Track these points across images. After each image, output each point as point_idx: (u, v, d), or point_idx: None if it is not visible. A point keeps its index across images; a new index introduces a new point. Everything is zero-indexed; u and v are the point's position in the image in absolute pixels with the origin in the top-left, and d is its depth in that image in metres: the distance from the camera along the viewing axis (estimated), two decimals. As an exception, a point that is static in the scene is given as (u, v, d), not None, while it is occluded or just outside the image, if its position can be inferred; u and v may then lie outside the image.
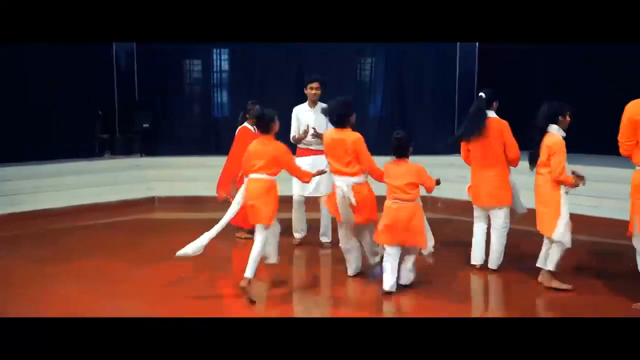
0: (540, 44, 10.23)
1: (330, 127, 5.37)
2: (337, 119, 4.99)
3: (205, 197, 8.72)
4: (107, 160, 9.78)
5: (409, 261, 4.91)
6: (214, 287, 5.13)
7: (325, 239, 6.28)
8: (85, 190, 8.52)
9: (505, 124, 5.26)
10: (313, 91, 6.13)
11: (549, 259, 4.81)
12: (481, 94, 5.31)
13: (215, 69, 10.86)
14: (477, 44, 10.16)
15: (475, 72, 10.22)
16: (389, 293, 4.73)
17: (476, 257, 5.42)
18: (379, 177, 4.94)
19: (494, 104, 5.33)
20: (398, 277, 4.83)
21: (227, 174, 6.57)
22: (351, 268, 5.27)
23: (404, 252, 4.87)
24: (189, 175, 9.40)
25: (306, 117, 6.17)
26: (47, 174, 8.56)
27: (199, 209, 8.36)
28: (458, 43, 10.25)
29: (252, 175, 4.76)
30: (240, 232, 6.53)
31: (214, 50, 10.83)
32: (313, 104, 6.21)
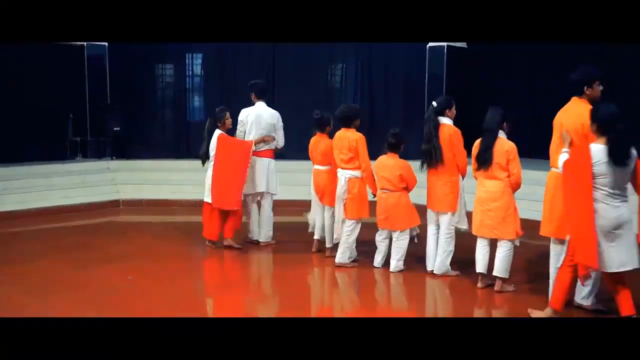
0: (509, 45, 10.36)
1: (262, 131, 6.31)
2: (343, 119, 5.71)
3: (171, 201, 8.85)
4: (78, 163, 9.85)
5: (396, 251, 5.45)
6: (153, 289, 5.13)
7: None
8: (53, 192, 8.62)
9: (455, 132, 5.28)
10: (252, 96, 6.44)
11: (502, 264, 4.86)
12: (433, 102, 5.40)
13: (187, 73, 10.96)
14: (445, 47, 10.23)
15: (444, 75, 10.28)
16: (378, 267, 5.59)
17: (429, 262, 5.49)
18: (370, 175, 5.59)
19: (447, 111, 5.36)
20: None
21: (227, 184, 6.10)
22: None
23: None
24: (157, 178, 9.50)
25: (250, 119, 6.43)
26: (17, 176, 8.64)
27: (163, 212, 8.47)
28: (427, 46, 10.36)
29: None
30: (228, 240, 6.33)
31: (187, 54, 10.94)
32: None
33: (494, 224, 4.84)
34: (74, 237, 6.99)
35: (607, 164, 3.82)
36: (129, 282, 5.20)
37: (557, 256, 4.42)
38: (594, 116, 3.96)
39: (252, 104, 6.47)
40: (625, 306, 3.98)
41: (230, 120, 6.32)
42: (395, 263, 5.47)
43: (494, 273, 4.88)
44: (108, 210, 8.54)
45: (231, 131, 6.40)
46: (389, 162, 5.45)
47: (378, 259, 5.63)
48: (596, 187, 3.87)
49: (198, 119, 11.00)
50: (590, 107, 4.13)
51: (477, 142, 4.94)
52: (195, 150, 10.36)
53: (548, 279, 4.57)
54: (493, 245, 4.96)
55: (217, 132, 6.19)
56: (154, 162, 9.96)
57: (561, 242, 4.34)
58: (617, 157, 3.81)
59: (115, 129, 10.19)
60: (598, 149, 3.85)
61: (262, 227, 6.41)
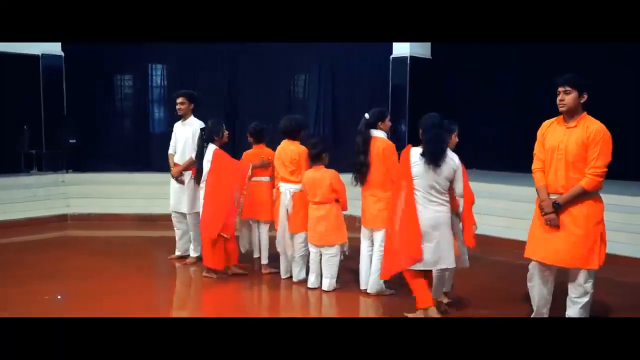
0: (474, 54, 10.23)
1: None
2: (287, 132, 5.50)
3: (121, 215, 8.61)
4: (31, 176, 9.58)
5: (327, 268, 5.19)
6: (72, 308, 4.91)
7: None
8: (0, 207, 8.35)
9: (389, 146, 5.04)
10: (177, 106, 6.10)
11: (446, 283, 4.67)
12: (365, 114, 5.19)
13: (147, 84, 10.77)
14: (408, 57, 10.08)
15: (407, 86, 10.11)
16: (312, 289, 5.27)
17: (362, 281, 5.25)
18: None
19: (380, 123, 5.14)
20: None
21: (219, 207, 5.49)
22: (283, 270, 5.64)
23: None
24: (111, 192, 9.26)
25: (177, 131, 6.24)
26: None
27: (110, 227, 8.22)
28: (391, 57, 10.20)
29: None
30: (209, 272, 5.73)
31: (147, 65, 10.76)
32: (183, 118, 6.21)
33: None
34: (10, 254, 6.72)
35: (422, 166, 4.08)
36: (47, 302, 4.95)
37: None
38: (419, 123, 4.26)
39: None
40: (421, 299, 4.24)
41: (227, 133, 5.77)
42: (329, 281, 5.22)
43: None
44: (54, 225, 8.29)
45: (226, 146, 5.89)
46: (316, 175, 5.23)
47: (312, 279, 5.35)
48: (415, 188, 4.12)
49: (158, 131, 10.82)
50: None
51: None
52: (156, 162, 10.35)
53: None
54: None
55: (212, 146, 5.56)
56: (110, 175, 9.70)
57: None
58: (428, 158, 4.05)
59: (71, 141, 9.93)
60: (416, 151, 4.15)
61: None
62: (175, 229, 6.30)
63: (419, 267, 4.17)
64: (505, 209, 7.64)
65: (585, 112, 3.94)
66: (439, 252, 4.16)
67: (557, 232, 3.91)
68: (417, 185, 4.13)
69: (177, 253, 6.32)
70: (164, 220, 7.37)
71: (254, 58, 10.57)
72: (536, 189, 4.07)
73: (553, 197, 3.95)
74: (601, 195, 3.97)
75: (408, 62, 10.14)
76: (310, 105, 10.72)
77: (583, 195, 3.85)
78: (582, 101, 3.90)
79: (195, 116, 6.23)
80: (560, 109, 3.93)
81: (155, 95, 10.89)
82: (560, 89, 3.90)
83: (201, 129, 5.75)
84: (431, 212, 4.13)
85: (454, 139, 4.78)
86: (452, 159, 4.17)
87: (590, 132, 3.83)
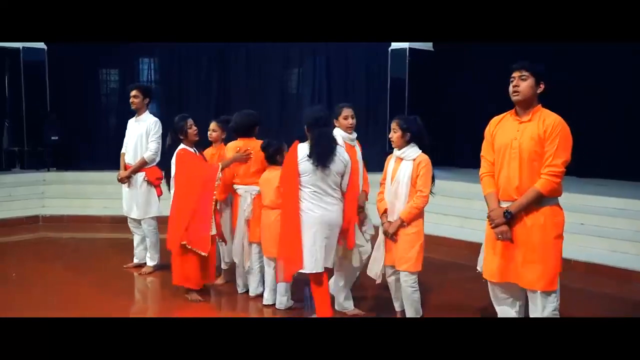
0: (477, 46, 9.61)
1: (153, 142, 5.57)
2: (238, 129, 4.89)
3: (96, 217, 8.16)
4: (11, 174, 9.20)
5: (281, 285, 4.60)
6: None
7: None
8: (-27, 207, 7.98)
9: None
10: (130, 99, 5.61)
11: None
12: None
13: (135, 78, 10.30)
14: (407, 49, 9.44)
15: (406, 79, 9.49)
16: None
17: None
18: None
19: (335, 121, 4.60)
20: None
21: (184, 218, 4.69)
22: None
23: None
24: (92, 192, 8.82)
25: (130, 128, 5.73)
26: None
27: (83, 229, 7.78)
28: (389, 49, 9.58)
29: None
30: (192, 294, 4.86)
31: (134, 59, 10.31)
32: (137, 114, 5.69)
33: None
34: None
35: (309, 163, 3.87)
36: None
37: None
38: (303, 117, 3.99)
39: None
40: (320, 308, 4.01)
41: (195, 129, 4.93)
42: (280, 298, 4.62)
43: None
44: (23, 227, 7.83)
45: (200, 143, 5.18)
46: (269, 176, 4.63)
47: (265, 295, 4.74)
48: (303, 185, 3.91)
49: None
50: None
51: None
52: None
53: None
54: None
55: (181, 147, 4.86)
56: (92, 174, 9.24)
57: None
58: (315, 157, 3.84)
59: (53, 138, 9.52)
60: (303, 147, 3.93)
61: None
62: (133, 234, 5.80)
63: (311, 269, 3.94)
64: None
65: (540, 105, 3.30)
66: (330, 251, 4.02)
67: (511, 248, 3.27)
68: (306, 183, 3.93)
69: (135, 261, 5.81)
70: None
71: (245, 50, 10.05)
72: (484, 197, 3.43)
73: (504, 205, 3.30)
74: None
75: (407, 54, 9.55)
76: (304, 100, 10.15)
77: (540, 202, 3.19)
78: (538, 91, 3.25)
79: (192, 112, 5.46)
80: (514, 98, 3.27)
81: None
82: (515, 73, 3.26)
83: (169, 130, 5.09)
84: (322, 210, 3.93)
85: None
86: (342, 155, 3.98)
87: (547, 126, 3.18)
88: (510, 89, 3.27)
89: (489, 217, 3.33)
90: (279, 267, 4.19)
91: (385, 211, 4.09)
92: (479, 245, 3.53)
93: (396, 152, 4.11)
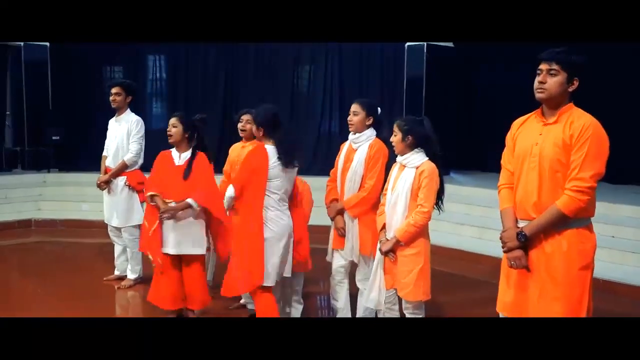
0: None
1: (134, 143, 5.12)
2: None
3: (91, 222, 7.72)
4: (12, 175, 8.85)
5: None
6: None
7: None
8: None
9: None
10: (111, 97, 5.14)
11: None
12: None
13: (142, 75, 9.90)
14: (425, 46, 8.81)
15: (424, 77, 8.86)
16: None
17: None
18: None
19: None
20: None
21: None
22: None
23: None
24: (92, 194, 8.32)
25: (110, 129, 5.29)
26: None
27: (74, 235, 7.35)
28: (406, 45, 8.97)
29: None
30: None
31: (138, 55, 9.88)
32: (118, 113, 5.23)
33: None
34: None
35: (280, 165, 3.53)
36: None
37: None
38: (256, 121, 3.63)
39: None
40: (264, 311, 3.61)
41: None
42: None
43: None
44: (14, 232, 7.45)
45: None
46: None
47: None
48: (271, 192, 3.54)
49: (155, 128, 9.92)
50: None
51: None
52: (150, 162, 9.43)
53: None
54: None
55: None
56: (93, 176, 8.54)
57: None
58: (284, 156, 3.54)
59: (54, 138, 9.15)
60: (271, 150, 3.55)
61: None
62: (114, 244, 5.33)
63: (272, 283, 3.62)
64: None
65: (571, 104, 2.68)
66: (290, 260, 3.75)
67: (527, 278, 2.67)
68: (275, 189, 3.56)
69: (116, 273, 5.34)
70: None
71: (255, 47, 9.55)
72: (500, 214, 2.85)
73: (522, 225, 2.71)
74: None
75: (425, 50, 8.90)
76: (316, 98, 9.61)
77: (562, 223, 2.58)
78: (570, 89, 2.64)
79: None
80: (538, 95, 2.66)
81: (150, 88, 10.03)
82: (543, 65, 2.65)
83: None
84: (287, 217, 3.65)
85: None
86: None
87: (574, 129, 2.56)
88: (535, 83, 2.67)
89: (501, 238, 2.75)
90: (236, 278, 3.63)
91: (384, 226, 3.53)
92: (499, 260, 2.92)
93: (399, 158, 3.55)
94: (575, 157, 2.54)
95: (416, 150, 3.49)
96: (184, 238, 4.04)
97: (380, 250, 3.49)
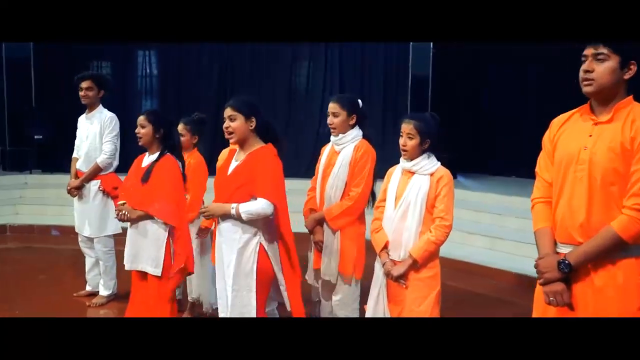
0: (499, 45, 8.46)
1: (108, 143, 4.60)
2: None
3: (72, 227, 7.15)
4: (-8, 177, 8.34)
5: None
6: None
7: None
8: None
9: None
10: (82, 92, 4.58)
11: None
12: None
13: (128, 73, 9.38)
14: (431, 45, 8.30)
15: (430, 77, 8.35)
16: None
17: None
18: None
19: None
20: None
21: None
22: None
23: None
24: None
25: (81, 127, 4.73)
26: None
27: (54, 241, 6.82)
28: (411, 44, 8.45)
29: None
30: None
31: (127, 51, 9.36)
32: (89, 109, 4.68)
33: None
34: None
35: None
36: None
37: None
38: (242, 107, 3.00)
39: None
40: None
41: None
42: None
43: None
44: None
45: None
46: None
47: None
48: None
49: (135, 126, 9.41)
50: None
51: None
52: (125, 164, 8.84)
53: None
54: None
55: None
56: None
57: None
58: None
59: (37, 137, 8.65)
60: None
61: None
62: (85, 256, 4.80)
63: None
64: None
65: (631, 97, 2.13)
66: None
67: (569, 317, 2.13)
68: None
69: (88, 288, 4.80)
70: (121, 235, 5.81)
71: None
72: (534, 234, 2.30)
73: (563, 251, 2.17)
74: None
75: (431, 48, 8.38)
76: (315, 98, 9.08)
77: (619, 250, 2.05)
78: (626, 76, 2.09)
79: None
80: (585, 89, 2.12)
81: (140, 85, 9.52)
82: (588, 50, 2.11)
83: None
84: None
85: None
86: None
87: (636, 130, 2.02)
88: (580, 73, 2.12)
89: (536, 266, 2.20)
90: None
91: (387, 245, 2.99)
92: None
93: (405, 163, 3.01)
94: (636, 167, 2.00)
95: (427, 154, 2.96)
96: (139, 252, 3.43)
97: (388, 275, 2.94)
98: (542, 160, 2.34)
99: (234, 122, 2.94)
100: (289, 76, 9.13)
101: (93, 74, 4.77)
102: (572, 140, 2.19)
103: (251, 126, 2.97)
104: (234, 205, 2.87)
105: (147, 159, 3.53)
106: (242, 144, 3.01)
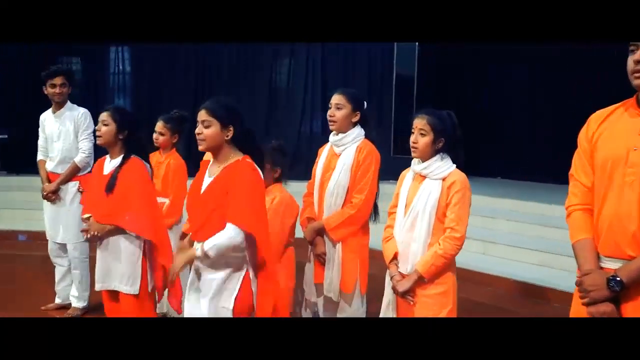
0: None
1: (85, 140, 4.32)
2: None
3: (42, 233, 6.73)
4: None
5: None
6: None
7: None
8: None
9: None
10: (56, 89, 4.21)
11: None
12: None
13: (97, 69, 8.96)
14: (417, 45, 8.12)
15: (415, 77, 8.18)
16: None
17: None
18: None
19: None
20: None
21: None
22: None
23: None
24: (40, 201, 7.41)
25: (48, 127, 4.36)
26: None
27: (20, 248, 6.40)
28: (395, 44, 8.26)
29: None
30: None
31: (99, 47, 8.93)
32: (57, 107, 4.34)
33: None
34: None
35: None
36: None
37: None
38: (227, 113, 2.56)
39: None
40: None
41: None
42: None
43: None
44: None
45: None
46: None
47: None
48: None
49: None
50: None
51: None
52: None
53: None
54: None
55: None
56: None
57: None
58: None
59: (1, 137, 8.20)
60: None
61: None
62: (55, 265, 4.42)
63: None
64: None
65: None
66: None
67: None
68: None
69: (57, 301, 4.43)
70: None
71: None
72: (572, 247, 2.04)
73: (609, 265, 1.92)
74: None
75: (417, 47, 8.20)
76: (296, 97, 8.81)
77: None
78: None
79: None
80: (635, 82, 1.87)
81: (112, 82, 9.12)
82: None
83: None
84: None
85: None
86: None
87: None
88: (630, 64, 1.86)
89: (578, 284, 1.94)
90: None
91: (396, 256, 2.71)
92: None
93: (416, 165, 2.73)
94: None
95: (441, 155, 2.69)
96: (112, 270, 3.06)
97: (394, 290, 2.66)
98: (577, 161, 2.09)
99: (208, 129, 2.48)
100: (269, 74, 8.87)
101: (66, 69, 4.47)
102: (618, 139, 1.94)
103: (227, 136, 2.52)
104: (197, 246, 2.46)
105: (109, 164, 3.12)
106: (215, 154, 2.56)
